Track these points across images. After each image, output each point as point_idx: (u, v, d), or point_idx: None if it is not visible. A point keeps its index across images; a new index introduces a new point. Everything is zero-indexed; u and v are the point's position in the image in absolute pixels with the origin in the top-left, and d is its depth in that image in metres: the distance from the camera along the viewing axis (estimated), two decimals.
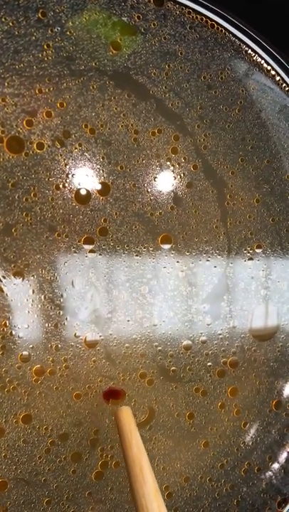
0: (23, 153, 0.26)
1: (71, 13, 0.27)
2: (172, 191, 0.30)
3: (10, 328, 0.27)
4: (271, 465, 0.33)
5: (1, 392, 0.27)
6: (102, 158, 0.28)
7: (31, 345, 0.27)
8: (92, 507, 0.29)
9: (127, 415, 0.27)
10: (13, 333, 0.27)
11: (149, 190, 0.29)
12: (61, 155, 0.27)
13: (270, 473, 0.33)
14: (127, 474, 0.24)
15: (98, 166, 0.28)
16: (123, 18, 0.28)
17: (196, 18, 0.30)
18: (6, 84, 0.26)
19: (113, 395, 0.29)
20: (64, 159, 0.27)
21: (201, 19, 0.30)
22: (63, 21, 0.27)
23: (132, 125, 0.29)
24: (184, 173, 0.30)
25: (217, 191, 0.31)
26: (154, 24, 0.29)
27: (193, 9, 0.29)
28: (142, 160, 0.29)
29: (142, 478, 0.24)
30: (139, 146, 0.29)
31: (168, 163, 0.30)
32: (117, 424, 0.27)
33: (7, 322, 0.27)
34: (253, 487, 0.32)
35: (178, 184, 0.30)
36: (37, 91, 0.26)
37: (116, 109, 0.28)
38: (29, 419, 0.28)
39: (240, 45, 0.31)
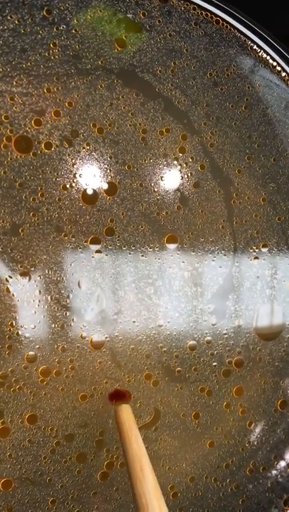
0: (31, 153, 0.28)
1: (76, 10, 0.28)
2: (179, 191, 0.32)
3: (16, 328, 0.29)
4: (277, 464, 0.35)
5: (7, 392, 0.29)
6: (110, 157, 0.30)
7: (37, 346, 0.29)
8: (97, 506, 0.31)
9: (126, 413, 0.28)
10: (20, 333, 0.29)
11: (156, 189, 0.31)
12: (69, 155, 0.29)
13: (275, 471, 0.35)
14: (128, 472, 0.26)
15: (105, 166, 0.30)
16: (128, 15, 0.30)
17: (201, 14, 0.31)
18: (14, 83, 0.27)
19: (119, 397, 0.31)
20: (72, 159, 0.29)
21: (206, 15, 0.31)
22: (68, 19, 0.28)
23: (140, 124, 0.30)
24: (191, 173, 0.32)
25: (224, 191, 0.32)
26: (158, 21, 0.30)
27: (198, 5, 0.31)
28: (150, 159, 0.31)
29: (142, 476, 0.25)
30: (147, 146, 0.30)
31: (175, 162, 0.31)
32: (117, 423, 0.28)
33: (13, 322, 0.29)
34: (259, 486, 0.34)
35: (185, 184, 0.32)
36: (45, 90, 0.28)
37: (124, 108, 0.30)
38: (35, 419, 0.29)
39: (245, 40, 0.32)
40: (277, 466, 0.35)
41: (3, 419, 0.29)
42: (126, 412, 0.29)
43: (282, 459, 0.35)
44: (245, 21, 0.32)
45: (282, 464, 0.35)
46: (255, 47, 0.33)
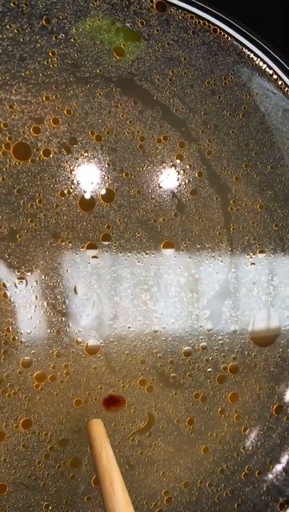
0: (30, 160, 0.29)
1: (75, 19, 0.29)
2: (176, 198, 0.32)
3: (12, 333, 0.29)
4: (272, 468, 0.35)
5: (2, 397, 0.29)
6: (108, 165, 0.30)
7: (33, 351, 0.30)
8: (90, 511, 0.32)
9: (97, 428, 0.29)
10: (16, 338, 0.29)
11: (153, 196, 0.32)
12: (67, 162, 0.29)
13: (271, 475, 0.35)
14: (99, 488, 0.26)
15: (103, 173, 0.30)
16: (126, 24, 0.30)
17: (199, 23, 0.32)
18: (13, 91, 0.28)
19: (113, 402, 0.31)
20: (70, 166, 0.29)
21: (204, 24, 0.32)
22: (67, 28, 0.29)
23: (137, 132, 0.31)
24: (188, 180, 0.32)
25: (221, 198, 0.33)
26: (157, 30, 0.31)
27: (196, 14, 0.31)
28: (147, 167, 0.31)
29: (111, 491, 0.25)
30: (145, 153, 0.31)
31: (173, 169, 0.32)
32: (88, 438, 0.29)
33: (10, 327, 0.29)
34: (254, 490, 0.35)
35: (182, 191, 0.32)
36: (44, 98, 0.28)
37: (122, 116, 0.30)
38: (29, 424, 0.30)
39: (242, 49, 0.33)
40: (273, 469, 0.35)
41: None
42: (97, 427, 0.29)
43: (278, 462, 0.35)
44: (242, 30, 0.33)
45: (278, 467, 0.35)
46: (252, 55, 0.33)
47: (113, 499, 0.25)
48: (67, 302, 0.30)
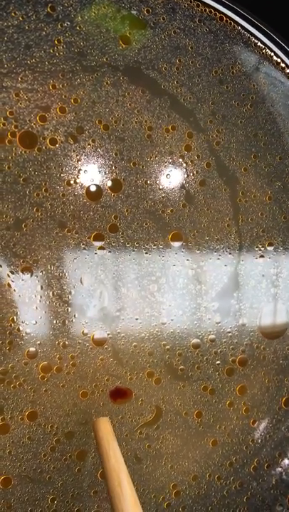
0: (36, 149, 0.28)
1: (80, 7, 0.29)
2: (184, 189, 0.32)
3: (17, 323, 0.29)
4: (281, 461, 0.35)
5: (7, 388, 0.29)
6: (115, 154, 0.30)
7: (38, 342, 0.29)
8: (97, 505, 0.31)
9: (105, 426, 0.28)
10: (21, 328, 0.29)
11: (161, 187, 0.31)
12: (74, 151, 0.29)
13: (280, 469, 0.35)
14: (106, 488, 0.26)
15: (111, 163, 0.30)
16: (132, 12, 0.30)
17: (205, 10, 0.31)
18: (19, 79, 0.28)
19: (120, 395, 0.31)
20: (76, 155, 0.29)
21: (210, 12, 0.31)
22: (72, 16, 0.29)
23: (145, 121, 0.30)
24: (196, 171, 0.32)
25: (230, 189, 0.33)
26: (163, 18, 0.30)
27: (202, 1, 0.31)
28: (155, 157, 0.31)
29: (120, 491, 0.25)
30: (153, 143, 0.31)
31: (181, 160, 0.32)
32: (95, 436, 0.28)
33: (15, 318, 0.29)
34: (263, 483, 0.35)
35: (191, 182, 0.32)
36: (50, 86, 0.28)
37: (130, 105, 0.30)
38: (35, 416, 0.30)
39: (249, 37, 0.33)
40: (282, 463, 0.35)
41: (3, 415, 0.29)
42: (104, 426, 0.29)
43: (287, 456, 0.35)
44: (248, 18, 0.33)
45: (287, 461, 0.35)
46: (259, 44, 0.33)
47: (121, 499, 0.25)
48: (73, 293, 0.30)
